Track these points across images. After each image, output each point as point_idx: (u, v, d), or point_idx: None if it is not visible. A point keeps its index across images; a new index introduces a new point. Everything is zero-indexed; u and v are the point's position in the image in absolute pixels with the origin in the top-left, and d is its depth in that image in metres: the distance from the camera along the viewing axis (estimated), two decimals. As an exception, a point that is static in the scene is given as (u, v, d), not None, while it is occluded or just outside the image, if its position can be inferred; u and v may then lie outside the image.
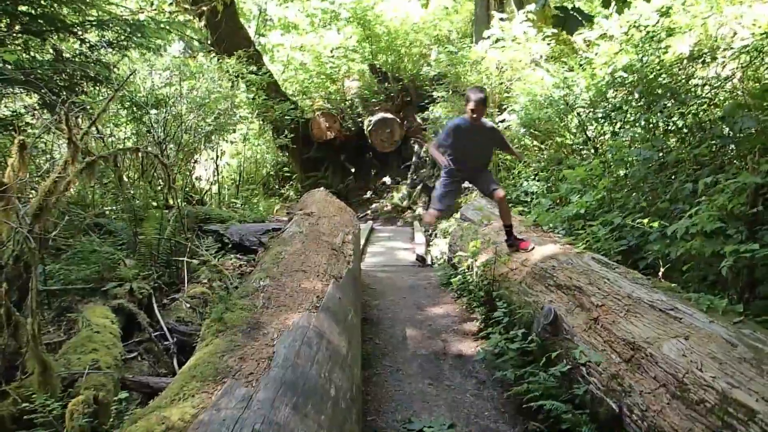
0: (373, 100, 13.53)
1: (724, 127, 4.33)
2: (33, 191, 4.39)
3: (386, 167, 13.53)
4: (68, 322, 3.67)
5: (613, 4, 4.27)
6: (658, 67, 5.57)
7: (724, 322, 2.55)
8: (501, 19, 9.90)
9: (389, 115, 12.83)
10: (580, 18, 3.83)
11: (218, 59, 9.99)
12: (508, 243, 4.73)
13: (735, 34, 6.16)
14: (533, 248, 4.45)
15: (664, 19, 6.14)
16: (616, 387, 2.67)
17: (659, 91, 5.29)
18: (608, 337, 2.93)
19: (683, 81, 5.38)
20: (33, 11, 5.32)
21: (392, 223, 11.49)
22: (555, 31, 9.51)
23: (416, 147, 12.57)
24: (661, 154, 4.86)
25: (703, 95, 5.17)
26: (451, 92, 10.00)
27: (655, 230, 3.89)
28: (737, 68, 5.29)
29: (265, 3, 16.34)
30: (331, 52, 14.88)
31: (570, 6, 3.98)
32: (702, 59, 5.41)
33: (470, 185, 5.33)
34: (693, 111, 5.04)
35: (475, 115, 4.59)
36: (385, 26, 14.51)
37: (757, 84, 5.01)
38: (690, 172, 4.49)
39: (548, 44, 9.43)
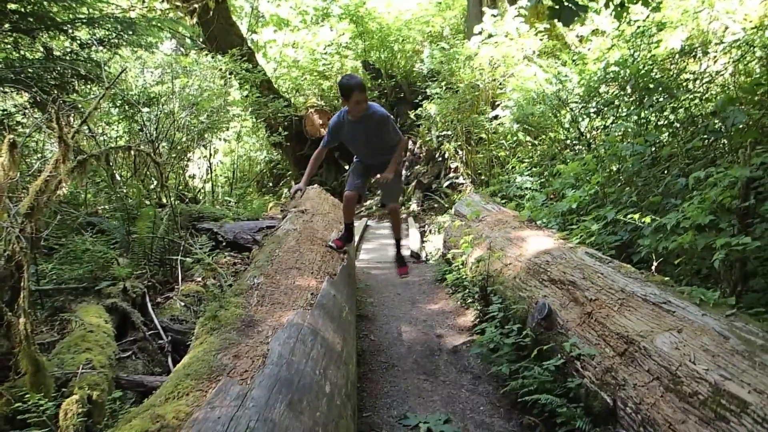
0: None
1: (715, 121, 4.34)
2: (24, 190, 4.37)
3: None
4: (61, 322, 3.65)
5: (611, 9, 4.27)
6: (650, 62, 5.59)
7: (716, 315, 2.56)
8: (493, 15, 9.89)
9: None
10: (575, 9, 3.82)
11: (211, 57, 9.95)
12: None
13: (726, 28, 6.19)
14: (406, 275, 5.18)
15: (655, 14, 6.15)
16: (610, 380, 2.69)
17: (651, 86, 5.31)
18: (602, 331, 2.94)
19: (675, 75, 5.40)
20: (22, 9, 5.28)
21: (386, 220, 11.47)
22: (548, 26, 9.54)
23: (410, 143, 12.57)
24: (653, 149, 4.88)
25: (695, 90, 5.19)
26: (444, 89, 10.00)
27: (648, 224, 3.91)
28: (729, 62, 5.32)
29: (257, 0, 16.26)
30: (324, 48, 14.85)
31: None
32: (693, 54, 5.43)
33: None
34: (685, 105, 5.06)
35: (361, 108, 4.18)
36: (377, 23, 14.49)
37: (748, 78, 5.03)
38: (682, 167, 4.51)
39: (541, 40, 9.44)
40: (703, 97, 5.14)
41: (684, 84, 5.27)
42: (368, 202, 12.49)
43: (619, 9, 4.23)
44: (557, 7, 3.82)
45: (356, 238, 8.03)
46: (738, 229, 3.38)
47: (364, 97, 4.15)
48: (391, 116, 4.47)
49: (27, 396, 2.43)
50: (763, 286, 3.33)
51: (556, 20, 4.00)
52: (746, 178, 3.34)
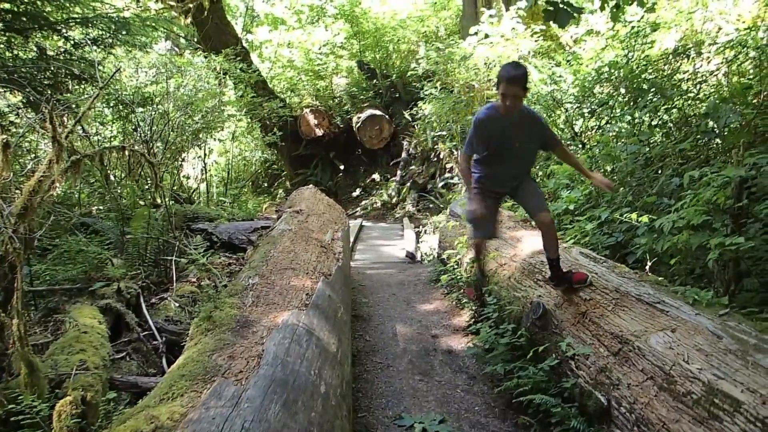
0: (362, 96, 13.52)
1: (708, 121, 4.37)
2: (17, 191, 4.34)
3: (375, 164, 13.52)
4: (55, 323, 3.63)
5: (607, 11, 4.29)
6: (644, 63, 5.61)
7: (710, 315, 2.58)
8: (491, 16, 9.92)
9: (378, 112, 12.81)
10: (570, 11, 3.84)
11: (205, 56, 9.93)
12: (554, 280, 3.54)
13: (720, 29, 6.22)
14: (589, 281, 3.32)
15: (649, 15, 6.18)
16: (604, 380, 2.69)
17: (644, 87, 5.33)
18: (596, 331, 2.95)
19: (669, 76, 5.42)
20: (15, 8, 5.26)
21: (382, 220, 11.49)
22: (543, 27, 9.57)
23: (405, 143, 12.58)
24: (647, 149, 4.90)
25: (688, 90, 5.21)
26: (440, 89, 10.02)
27: (642, 224, 3.92)
28: (722, 63, 5.34)
29: (252, 0, 16.25)
30: (319, 48, 14.85)
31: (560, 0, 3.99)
32: (687, 54, 5.46)
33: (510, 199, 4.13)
34: (678, 106, 5.08)
35: (508, 103, 3.33)
36: (372, 22, 14.50)
37: (742, 78, 5.06)
38: (676, 167, 4.53)
39: (536, 41, 9.46)
40: (696, 98, 5.17)
41: (677, 84, 5.29)
42: (364, 202, 12.49)
43: (615, 10, 4.25)
44: (552, 9, 3.84)
45: (351, 239, 8.03)
46: (731, 229, 3.40)
47: (512, 93, 3.35)
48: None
49: (21, 397, 2.42)
50: (756, 285, 3.34)
51: (551, 22, 4.01)
52: (739, 179, 3.36)
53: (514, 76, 3.32)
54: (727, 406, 2.01)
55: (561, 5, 3.81)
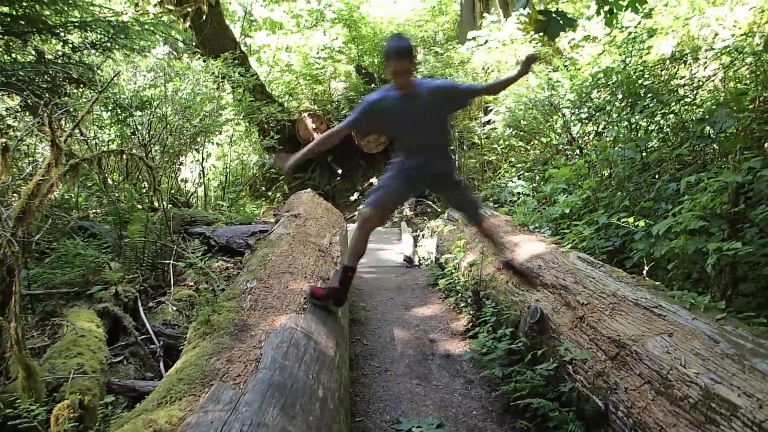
0: (360, 101, 13.52)
1: (705, 127, 4.39)
2: (16, 194, 4.34)
3: (373, 168, 13.52)
4: (53, 326, 3.63)
5: (601, 16, 4.30)
6: (641, 68, 5.64)
7: (707, 319, 2.59)
8: (493, 22, 9.96)
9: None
10: (562, 22, 3.84)
11: (204, 61, 9.94)
12: (513, 272, 3.67)
13: (716, 35, 6.26)
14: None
15: (645, 20, 6.21)
16: (601, 384, 2.70)
17: (641, 92, 5.36)
18: (594, 335, 2.96)
19: (665, 81, 5.45)
20: (14, 12, 5.26)
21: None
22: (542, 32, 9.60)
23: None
24: (644, 154, 4.92)
25: (685, 95, 5.24)
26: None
27: (639, 229, 3.94)
28: (719, 68, 5.38)
29: (251, 4, 16.26)
30: (317, 53, 14.87)
31: (553, 9, 4.00)
32: (684, 60, 5.49)
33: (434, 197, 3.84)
34: (675, 111, 5.11)
35: (401, 80, 3.09)
36: (370, 27, 14.54)
37: (738, 84, 5.09)
38: (673, 172, 4.55)
39: (534, 46, 9.50)
40: (693, 103, 5.19)
41: (674, 90, 5.32)
42: (362, 206, 12.48)
43: (609, 15, 4.26)
44: (544, 19, 3.84)
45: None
46: (728, 234, 3.42)
47: (403, 68, 3.06)
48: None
49: (18, 401, 2.42)
50: (753, 290, 3.36)
51: (541, 33, 4.02)
52: (736, 183, 3.38)
53: (403, 48, 3.06)
54: (724, 411, 2.02)
55: (554, 16, 3.81)
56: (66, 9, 5.60)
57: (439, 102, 3.25)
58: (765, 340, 2.29)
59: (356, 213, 12.11)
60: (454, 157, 3.57)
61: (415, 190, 3.65)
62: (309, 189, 7.95)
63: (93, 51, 6.06)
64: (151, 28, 6.42)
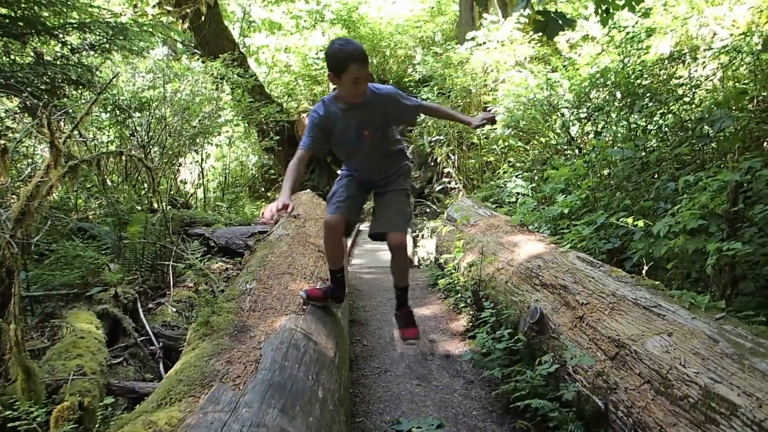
0: (359, 101, 13.53)
1: (704, 126, 4.39)
2: (15, 196, 4.34)
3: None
4: (52, 328, 3.62)
5: (597, 15, 4.31)
6: (640, 68, 5.64)
7: (706, 319, 2.59)
8: (493, 22, 9.97)
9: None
10: (561, 22, 3.85)
11: (202, 62, 9.94)
12: (397, 311, 3.45)
13: (715, 34, 6.26)
14: (415, 339, 3.27)
15: (643, 20, 6.22)
16: (601, 384, 2.70)
17: (640, 92, 5.36)
18: (593, 335, 2.96)
19: (664, 81, 5.46)
20: (12, 13, 5.26)
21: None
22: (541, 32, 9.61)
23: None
24: (643, 154, 4.92)
25: (684, 95, 5.24)
26: (437, 93, 10.05)
27: (639, 229, 3.94)
28: (717, 68, 5.38)
29: (249, 5, 16.26)
30: (316, 53, 14.88)
31: (552, 10, 4.00)
32: (683, 59, 5.50)
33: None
34: (674, 110, 5.11)
35: (362, 87, 2.86)
36: (369, 28, 14.55)
37: (737, 83, 5.10)
38: (672, 171, 4.55)
39: (532, 47, 9.51)
40: (692, 103, 5.20)
41: (673, 89, 5.32)
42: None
43: (604, 15, 4.26)
44: (543, 19, 3.84)
45: (348, 243, 8.02)
46: (727, 234, 3.42)
47: (365, 74, 2.83)
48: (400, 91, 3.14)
49: (17, 403, 2.41)
50: (752, 289, 3.36)
51: (540, 33, 4.02)
52: (735, 183, 3.38)
53: (363, 53, 2.80)
54: (723, 410, 2.02)
55: (553, 16, 3.82)
56: (65, 10, 5.60)
57: (384, 113, 3.04)
58: (764, 340, 2.29)
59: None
60: (405, 162, 3.33)
61: (367, 192, 3.45)
62: (308, 190, 7.95)
63: (92, 52, 6.06)
64: (150, 30, 6.43)
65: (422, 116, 3.44)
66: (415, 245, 8.74)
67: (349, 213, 3.22)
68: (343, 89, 2.89)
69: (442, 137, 10.30)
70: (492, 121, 3.19)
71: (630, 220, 4.00)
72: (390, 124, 3.17)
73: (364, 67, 2.80)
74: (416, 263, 7.77)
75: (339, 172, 3.69)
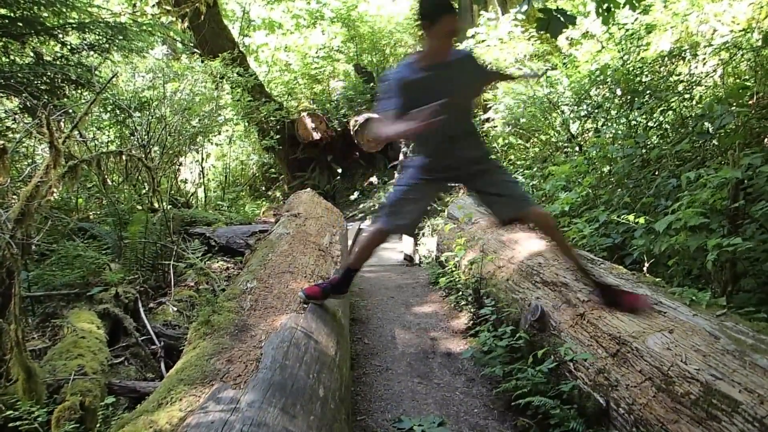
0: (359, 100, 13.53)
1: (705, 123, 4.39)
2: (15, 196, 4.34)
3: (373, 167, 13.52)
4: (53, 328, 3.63)
5: (599, 17, 4.31)
6: (639, 65, 5.63)
7: (707, 316, 2.59)
8: (489, 20, 9.94)
9: (376, 115, 12.81)
10: (563, 20, 3.85)
11: (202, 61, 9.93)
12: (597, 295, 2.88)
13: (715, 31, 6.25)
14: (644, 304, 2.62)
15: (643, 17, 6.21)
16: (602, 381, 2.70)
17: (640, 89, 5.35)
18: (594, 332, 2.95)
19: (664, 78, 5.45)
20: (12, 14, 5.26)
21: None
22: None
23: (403, 147, 12.57)
24: (643, 151, 4.92)
25: (684, 92, 5.24)
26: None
27: (639, 226, 3.94)
28: (717, 65, 5.37)
29: (249, 4, 16.25)
30: (316, 52, 14.88)
31: (554, 8, 4.00)
32: (683, 56, 5.49)
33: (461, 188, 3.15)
34: (674, 107, 5.10)
35: (448, 42, 2.63)
36: (369, 26, 14.54)
37: (737, 80, 5.09)
38: (672, 168, 4.54)
39: (532, 44, 9.49)
40: (692, 99, 5.19)
41: (673, 86, 5.32)
42: (362, 205, 12.49)
43: (605, 14, 4.26)
44: (545, 17, 3.84)
45: (349, 242, 8.03)
46: (728, 230, 3.42)
47: (458, 28, 2.59)
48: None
49: (18, 403, 2.42)
50: (753, 286, 3.36)
51: (543, 31, 4.01)
52: (736, 180, 3.38)
53: (451, 5, 2.52)
54: (725, 407, 2.02)
55: (555, 14, 3.81)
56: (64, 10, 5.60)
57: (469, 76, 2.70)
58: (765, 336, 2.29)
59: (356, 212, 12.12)
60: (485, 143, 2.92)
61: (436, 192, 3.07)
62: (309, 188, 7.95)
63: (91, 52, 6.05)
64: (149, 29, 6.42)
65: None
66: (416, 243, 8.73)
67: (410, 226, 2.95)
68: (431, 43, 2.60)
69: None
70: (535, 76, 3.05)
71: (631, 217, 4.00)
72: (473, 90, 2.82)
73: (455, 17, 2.56)
74: (417, 261, 7.77)
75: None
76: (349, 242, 7.87)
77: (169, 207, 6.58)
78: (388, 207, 2.96)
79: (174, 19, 11.06)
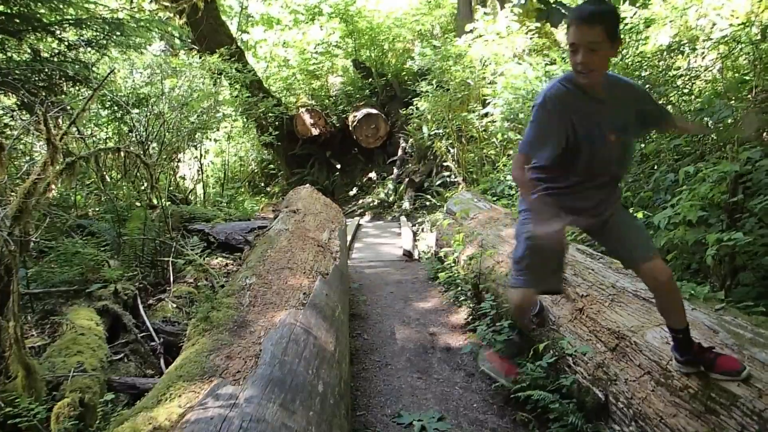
0: (358, 95, 13.51)
1: (704, 117, 4.38)
2: (12, 193, 4.33)
3: (372, 163, 13.50)
4: (52, 325, 3.63)
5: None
6: (638, 59, 5.62)
7: (706, 310, 2.59)
8: (486, 14, 9.93)
9: (374, 111, 12.80)
10: (563, 11, 3.83)
11: (200, 57, 9.90)
12: (684, 357, 2.23)
13: (714, 25, 6.23)
14: (746, 372, 2.03)
15: (642, 11, 6.19)
16: (602, 376, 2.70)
17: (639, 83, 5.33)
18: (593, 327, 2.96)
19: (663, 72, 5.44)
20: (8, 10, 5.23)
21: (379, 219, 11.48)
22: (538, 24, 9.58)
23: (401, 142, 12.56)
24: (642, 145, 4.91)
25: (683, 86, 5.23)
26: (435, 86, 10.02)
27: (641, 220, 3.93)
28: (716, 58, 5.36)
29: (247, 0, 16.21)
30: (315, 48, 14.84)
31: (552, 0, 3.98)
32: (682, 50, 5.47)
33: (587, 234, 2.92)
34: (673, 101, 5.09)
35: (580, 60, 2.07)
36: (367, 21, 14.50)
37: (736, 74, 5.08)
38: (671, 162, 4.54)
39: (530, 38, 9.47)
40: (691, 93, 5.18)
41: (672, 80, 5.31)
42: (361, 201, 12.49)
43: None
44: (545, 8, 3.83)
45: (348, 237, 8.03)
46: (727, 224, 3.41)
47: (586, 41, 2.06)
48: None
49: (18, 400, 2.42)
50: (752, 280, 3.36)
51: (543, 21, 4.00)
52: (734, 174, 3.38)
53: (588, 13, 2.04)
54: (723, 400, 2.02)
55: (554, 5, 3.80)
56: (61, 6, 5.57)
57: (632, 111, 2.26)
58: (764, 330, 2.29)
59: (354, 207, 12.11)
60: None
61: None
62: (308, 184, 7.94)
63: (89, 49, 6.03)
64: (147, 25, 6.38)
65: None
66: (415, 239, 8.73)
67: (559, 284, 2.62)
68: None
69: (441, 130, 10.28)
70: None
71: (630, 212, 4.00)
72: (637, 128, 2.35)
73: (585, 30, 2.05)
74: (416, 257, 7.77)
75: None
76: (348, 238, 7.87)
77: (167, 203, 6.58)
78: (522, 264, 2.57)
79: (171, 14, 11.01)
